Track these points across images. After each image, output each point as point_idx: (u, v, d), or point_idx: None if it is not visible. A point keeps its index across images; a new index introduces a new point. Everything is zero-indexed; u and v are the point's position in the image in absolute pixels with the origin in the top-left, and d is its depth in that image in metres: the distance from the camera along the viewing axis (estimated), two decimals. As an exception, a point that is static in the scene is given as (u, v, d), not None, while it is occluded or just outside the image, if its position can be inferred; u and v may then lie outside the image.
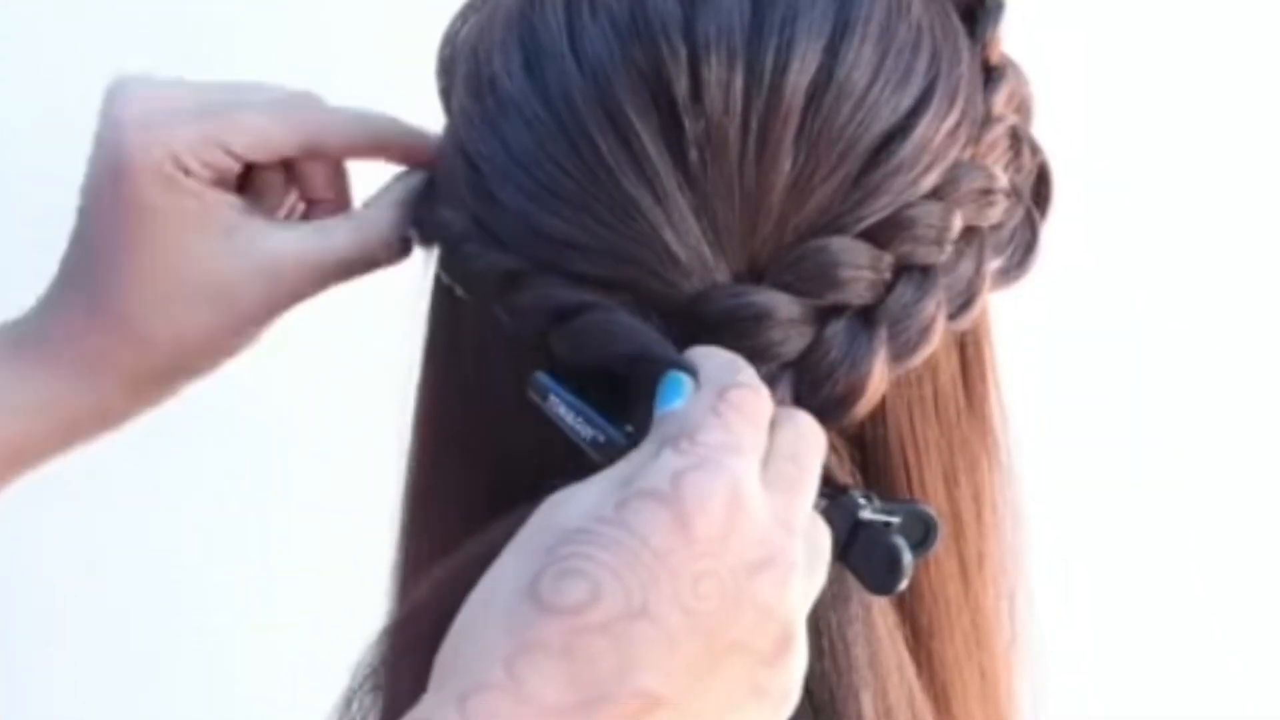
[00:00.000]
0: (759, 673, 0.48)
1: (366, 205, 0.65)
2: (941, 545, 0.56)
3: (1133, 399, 1.15)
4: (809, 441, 0.52)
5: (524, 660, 0.46)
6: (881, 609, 0.57)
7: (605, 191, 0.55)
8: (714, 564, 0.48)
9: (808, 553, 0.50)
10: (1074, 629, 1.16)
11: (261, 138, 0.63)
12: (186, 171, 0.61)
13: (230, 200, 0.63)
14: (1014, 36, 0.60)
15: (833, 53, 0.55)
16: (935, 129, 0.56)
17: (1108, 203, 1.09)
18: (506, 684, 0.46)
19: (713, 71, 0.54)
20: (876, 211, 0.55)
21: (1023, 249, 0.60)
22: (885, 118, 0.55)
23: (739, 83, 0.54)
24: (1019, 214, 0.60)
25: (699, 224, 0.54)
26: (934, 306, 0.55)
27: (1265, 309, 1.14)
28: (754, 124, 0.54)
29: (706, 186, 0.54)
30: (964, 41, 0.59)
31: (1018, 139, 0.60)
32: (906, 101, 0.56)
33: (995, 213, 0.58)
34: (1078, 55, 1.06)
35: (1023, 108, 0.61)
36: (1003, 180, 0.58)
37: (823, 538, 0.52)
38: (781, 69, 0.54)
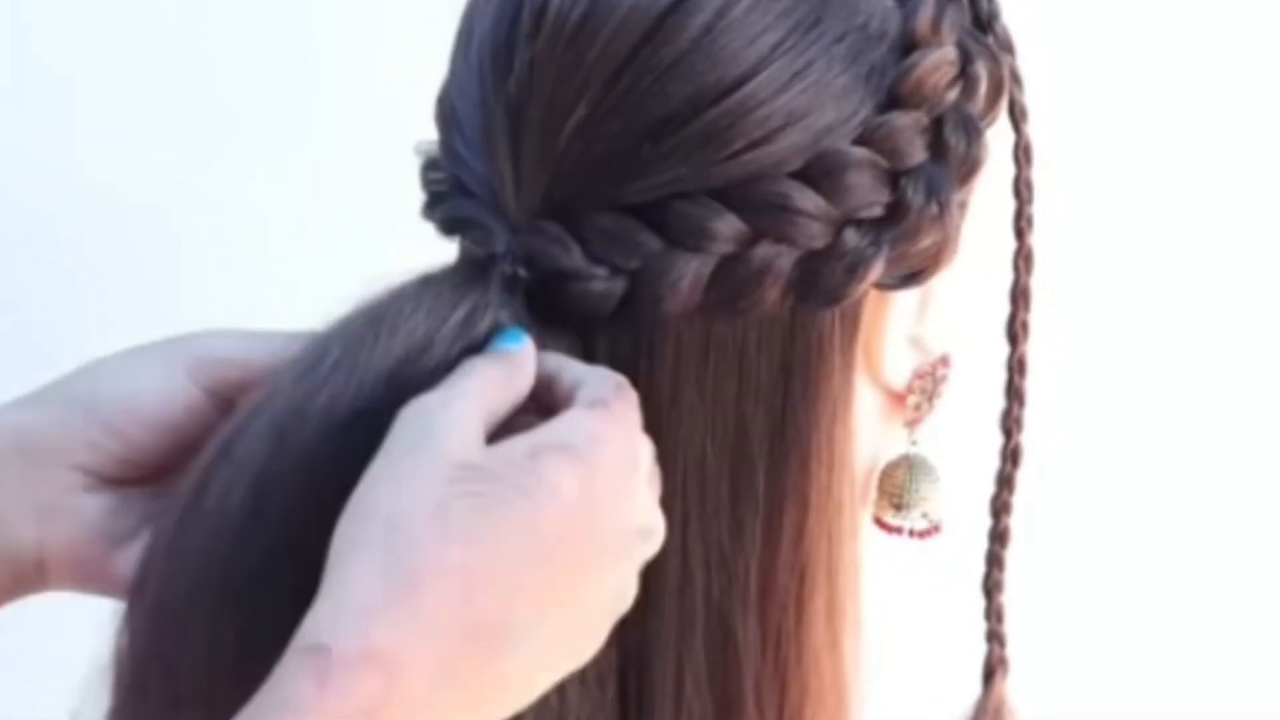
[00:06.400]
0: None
1: None
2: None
3: (1130, 399, 1.15)
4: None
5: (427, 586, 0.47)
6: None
7: (477, 122, 0.57)
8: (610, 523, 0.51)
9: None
10: (1072, 630, 1.16)
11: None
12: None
13: None
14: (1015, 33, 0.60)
15: (675, 11, 0.54)
16: (762, 100, 0.54)
17: (1106, 202, 1.10)
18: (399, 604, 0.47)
19: (554, 6, 0.54)
20: (643, 191, 0.55)
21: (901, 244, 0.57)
22: (707, 82, 0.54)
23: (573, 19, 0.54)
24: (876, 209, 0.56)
25: (511, 158, 0.55)
26: (686, 279, 0.55)
27: (1265, 309, 1.14)
28: (570, 64, 0.54)
29: (521, 120, 0.55)
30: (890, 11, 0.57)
31: (938, 124, 0.57)
32: (734, 70, 0.54)
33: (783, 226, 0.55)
34: (1077, 55, 1.05)
35: (940, 93, 0.57)
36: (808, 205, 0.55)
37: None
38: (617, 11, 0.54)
